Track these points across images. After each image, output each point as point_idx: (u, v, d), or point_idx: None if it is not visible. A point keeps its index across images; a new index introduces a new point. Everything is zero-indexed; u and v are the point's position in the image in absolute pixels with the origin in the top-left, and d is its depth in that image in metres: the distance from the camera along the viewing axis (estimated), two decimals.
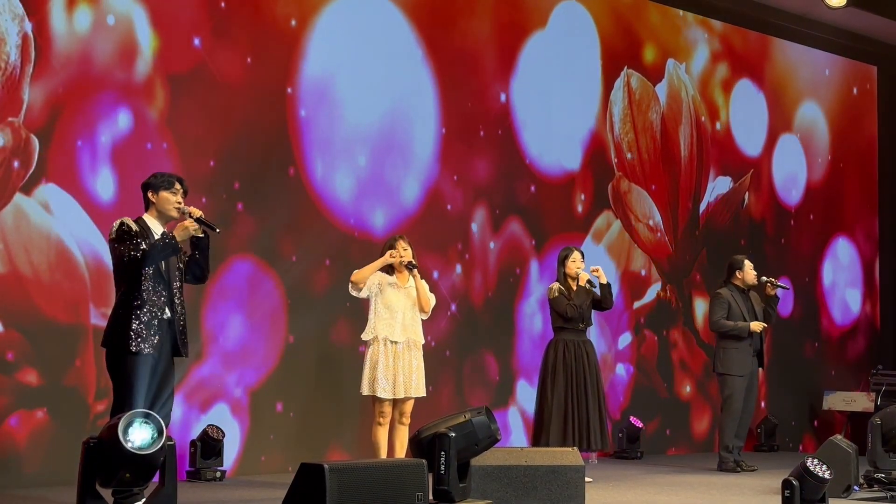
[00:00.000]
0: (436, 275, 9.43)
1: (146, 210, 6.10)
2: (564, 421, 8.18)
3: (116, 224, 5.99)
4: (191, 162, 8.13)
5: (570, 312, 8.29)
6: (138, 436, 4.97)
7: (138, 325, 5.89)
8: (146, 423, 5.01)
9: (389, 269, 7.61)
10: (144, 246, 5.87)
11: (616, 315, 10.61)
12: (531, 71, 10.26)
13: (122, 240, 5.91)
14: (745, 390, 9.24)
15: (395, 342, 7.45)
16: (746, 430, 9.42)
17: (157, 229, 6.04)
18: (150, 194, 6.09)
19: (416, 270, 7.55)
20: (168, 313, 6.00)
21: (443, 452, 6.04)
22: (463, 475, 6.27)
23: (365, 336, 7.50)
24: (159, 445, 5.00)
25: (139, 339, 5.88)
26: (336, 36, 8.97)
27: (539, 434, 8.28)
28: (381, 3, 9.31)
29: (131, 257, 5.86)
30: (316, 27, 8.87)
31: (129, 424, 4.97)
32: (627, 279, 10.80)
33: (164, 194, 6.08)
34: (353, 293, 7.57)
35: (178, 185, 6.13)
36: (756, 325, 9.18)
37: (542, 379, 8.36)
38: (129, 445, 4.93)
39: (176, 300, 6.04)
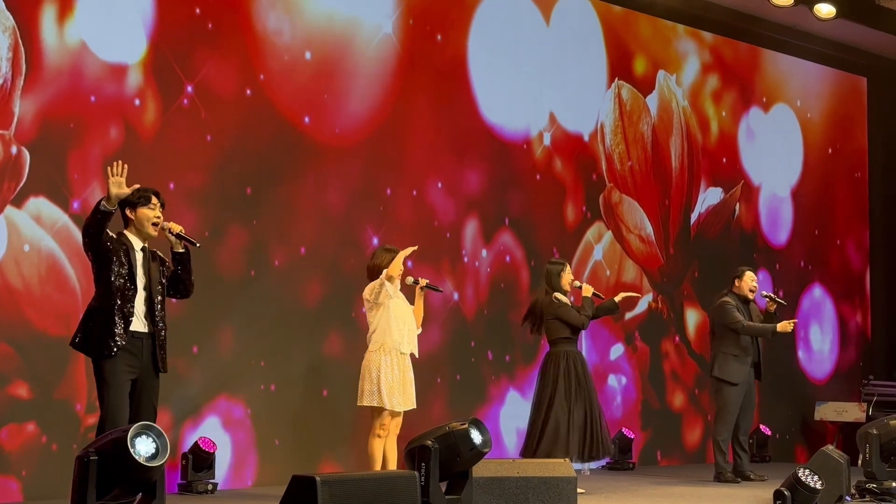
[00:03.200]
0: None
1: (125, 226, 6.07)
2: (584, 434, 8.16)
3: None
4: (182, 175, 8.13)
5: (585, 324, 8.29)
6: (145, 448, 4.99)
7: (114, 335, 5.84)
8: (152, 435, 5.04)
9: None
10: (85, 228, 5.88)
11: (607, 326, 10.62)
12: (523, 80, 10.28)
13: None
14: (742, 401, 9.23)
15: (403, 353, 7.42)
16: (747, 441, 9.42)
17: (137, 245, 6.02)
18: (127, 211, 6.03)
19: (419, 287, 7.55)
20: (148, 327, 5.97)
21: (423, 464, 6.05)
22: (459, 487, 6.27)
23: (374, 346, 7.36)
24: (166, 457, 5.04)
25: (115, 348, 5.83)
26: (327, 47, 8.98)
27: (554, 447, 8.11)
28: (372, 13, 9.32)
29: (85, 241, 5.88)
30: (308, 37, 8.88)
31: (136, 436, 4.99)
32: (619, 290, 10.78)
33: (143, 211, 6.02)
34: (386, 289, 7.28)
35: (155, 200, 6.06)
36: (784, 326, 9.08)
37: (551, 392, 8.20)
38: (139, 458, 4.94)
39: (157, 314, 6.00)
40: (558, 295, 8.31)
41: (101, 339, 5.85)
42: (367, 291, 7.45)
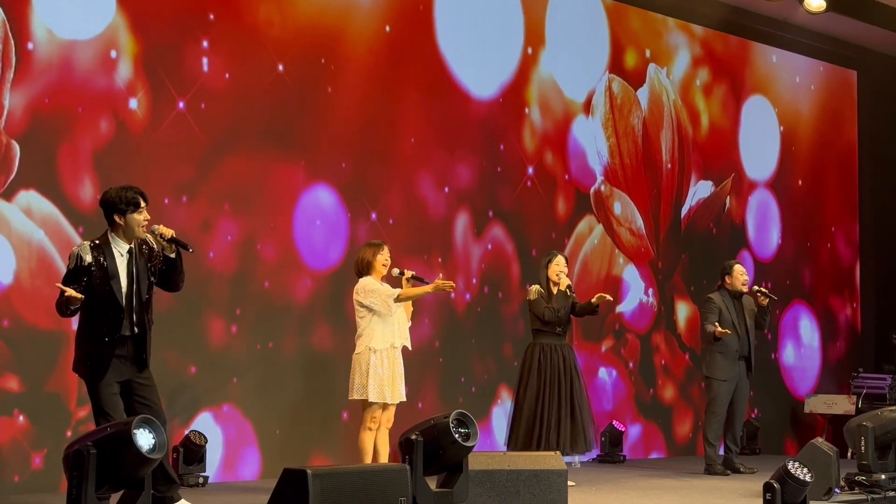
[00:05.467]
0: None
1: (111, 228, 6.02)
2: (532, 424, 8.18)
3: (72, 252, 5.98)
4: (172, 168, 8.11)
5: (547, 316, 8.32)
6: (146, 441, 5.03)
7: (97, 350, 5.86)
8: (151, 429, 5.09)
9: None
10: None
11: (598, 319, 10.61)
12: (513, 74, 10.28)
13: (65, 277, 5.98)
14: (733, 394, 9.25)
15: (395, 347, 7.43)
16: (739, 434, 9.45)
17: (121, 248, 5.99)
18: (116, 217, 5.98)
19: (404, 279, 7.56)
20: (133, 329, 5.96)
21: (407, 456, 6.08)
22: (453, 480, 6.28)
23: (360, 348, 7.38)
24: (164, 451, 5.11)
25: (99, 367, 5.85)
26: (319, 43, 8.97)
27: (510, 437, 8.33)
28: (362, 7, 9.31)
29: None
30: (298, 32, 8.86)
31: (138, 429, 5.01)
32: (609, 283, 10.82)
33: (133, 217, 5.97)
34: (387, 309, 7.34)
35: (143, 203, 6.01)
36: (721, 332, 8.96)
37: (518, 383, 8.41)
38: (142, 451, 4.97)
39: (145, 314, 5.99)
40: (532, 287, 8.43)
41: (93, 364, 5.91)
42: (363, 295, 7.42)
